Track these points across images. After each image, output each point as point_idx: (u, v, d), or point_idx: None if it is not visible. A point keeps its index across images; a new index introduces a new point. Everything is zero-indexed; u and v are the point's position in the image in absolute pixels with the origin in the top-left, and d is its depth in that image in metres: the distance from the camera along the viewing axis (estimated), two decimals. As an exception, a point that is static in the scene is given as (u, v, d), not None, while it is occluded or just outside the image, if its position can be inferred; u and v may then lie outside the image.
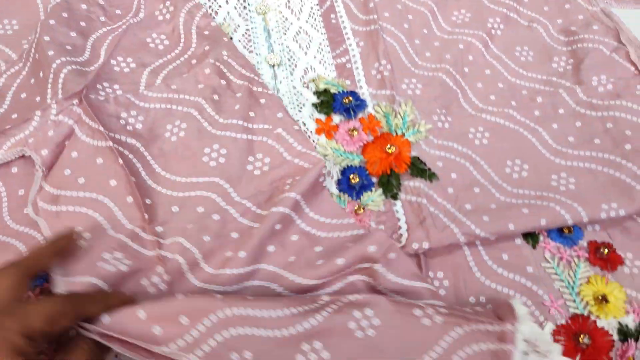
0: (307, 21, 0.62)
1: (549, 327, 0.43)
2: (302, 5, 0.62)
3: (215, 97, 0.52)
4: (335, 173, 0.50)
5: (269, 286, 0.41)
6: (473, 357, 0.37)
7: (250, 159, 0.48)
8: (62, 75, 0.47)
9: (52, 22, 0.52)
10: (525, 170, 0.51)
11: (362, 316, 0.37)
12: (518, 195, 0.49)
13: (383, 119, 0.53)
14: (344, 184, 0.49)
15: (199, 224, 0.43)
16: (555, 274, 0.46)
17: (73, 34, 0.53)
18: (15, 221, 0.43)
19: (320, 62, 0.58)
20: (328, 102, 0.54)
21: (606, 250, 0.47)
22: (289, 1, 0.62)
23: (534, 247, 0.47)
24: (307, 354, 0.35)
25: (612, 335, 0.43)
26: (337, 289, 0.41)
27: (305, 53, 0.59)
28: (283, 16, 0.62)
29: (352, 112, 0.53)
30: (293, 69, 0.57)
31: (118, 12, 0.58)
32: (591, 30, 0.61)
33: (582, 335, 0.42)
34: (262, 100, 0.52)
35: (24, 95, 0.49)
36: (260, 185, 0.46)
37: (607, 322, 0.43)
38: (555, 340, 0.42)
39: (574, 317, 0.43)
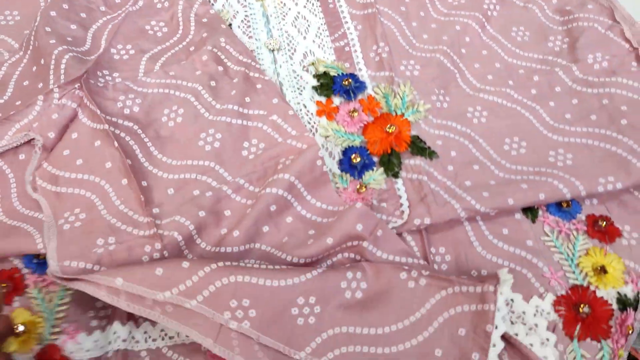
0: (305, 6, 0.62)
1: (550, 297, 0.44)
2: (299, -9, 0.63)
3: (212, 83, 0.52)
4: (337, 154, 0.51)
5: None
6: (455, 317, 0.39)
7: (245, 144, 0.49)
8: (63, 62, 0.48)
9: (53, 13, 0.53)
10: (523, 147, 0.52)
11: (353, 277, 0.39)
12: (517, 172, 0.50)
13: (382, 99, 0.54)
14: (346, 164, 0.50)
15: (193, 202, 0.44)
16: (555, 246, 0.47)
17: (74, 26, 0.53)
18: (24, 206, 0.44)
19: (319, 46, 0.59)
20: (328, 84, 0.55)
21: (604, 223, 0.48)
22: (286, -13, 0.63)
23: (533, 221, 0.48)
24: (302, 307, 0.37)
25: (611, 305, 0.44)
26: (327, 266, 0.43)
27: (304, 37, 0.59)
28: (281, 2, 0.62)
29: (352, 94, 0.54)
30: (292, 54, 0.58)
31: (118, 0, 0.58)
32: (586, 9, 0.62)
33: (582, 305, 0.43)
34: (259, 86, 0.52)
35: (26, 82, 0.50)
36: (255, 164, 0.47)
37: (606, 292, 0.44)
38: (556, 311, 0.43)
39: (574, 288, 0.44)
